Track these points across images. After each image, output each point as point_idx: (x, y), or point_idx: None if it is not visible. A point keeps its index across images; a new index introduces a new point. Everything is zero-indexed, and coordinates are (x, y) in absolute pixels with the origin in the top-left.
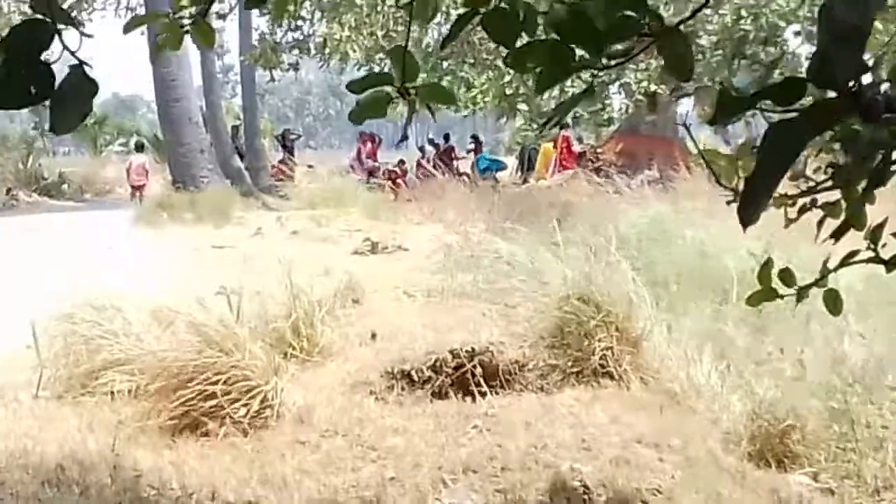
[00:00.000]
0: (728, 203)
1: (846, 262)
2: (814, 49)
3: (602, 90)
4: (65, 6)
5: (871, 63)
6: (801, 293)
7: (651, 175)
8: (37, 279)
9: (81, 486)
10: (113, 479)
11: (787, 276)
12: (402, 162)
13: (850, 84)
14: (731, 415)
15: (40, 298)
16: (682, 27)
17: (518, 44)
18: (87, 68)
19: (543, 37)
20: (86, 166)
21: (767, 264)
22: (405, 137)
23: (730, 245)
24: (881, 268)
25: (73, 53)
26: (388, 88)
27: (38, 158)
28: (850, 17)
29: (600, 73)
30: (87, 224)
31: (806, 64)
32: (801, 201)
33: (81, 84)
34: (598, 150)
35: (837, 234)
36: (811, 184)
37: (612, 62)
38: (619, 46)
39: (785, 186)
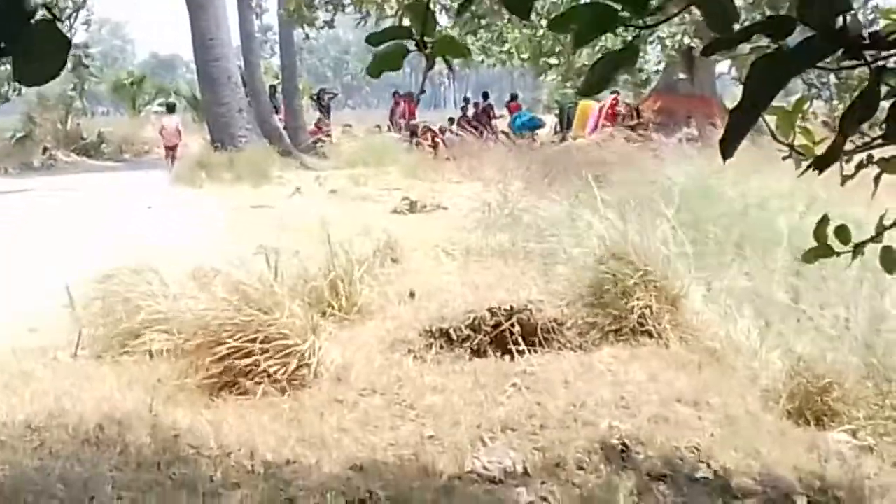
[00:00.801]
0: (784, 159)
1: None
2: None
3: (640, 47)
4: None
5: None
6: (857, 250)
7: (689, 133)
8: (76, 239)
9: (120, 445)
10: (152, 438)
11: (842, 234)
12: (451, 120)
13: (833, 21)
14: (770, 372)
15: (80, 258)
16: None
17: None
18: (59, 25)
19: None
20: (124, 126)
21: (824, 221)
22: (423, 91)
23: (770, 202)
24: None
25: (46, 7)
26: (406, 41)
27: (77, 118)
28: None
29: (641, 32)
30: (125, 184)
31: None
32: (857, 157)
33: (51, 37)
34: (637, 109)
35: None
36: (866, 139)
37: (652, 20)
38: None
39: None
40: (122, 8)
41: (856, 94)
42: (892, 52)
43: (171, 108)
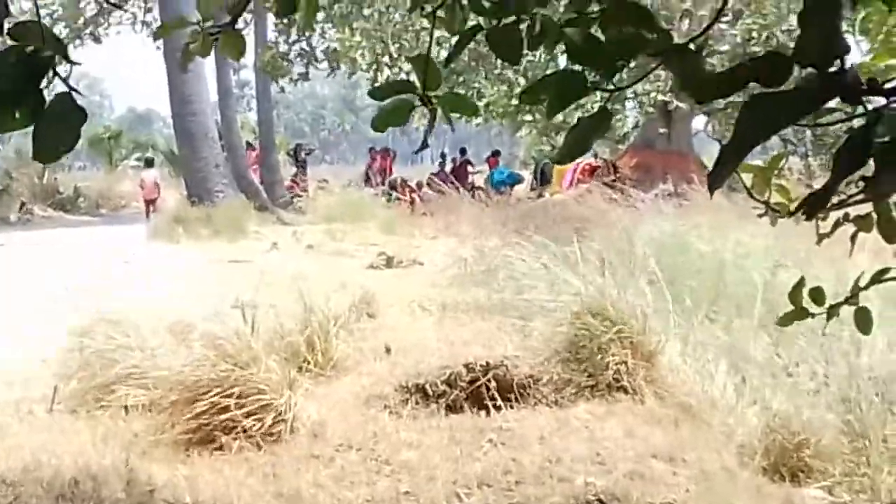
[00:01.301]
0: (759, 216)
1: (877, 279)
2: None
3: (617, 104)
4: (82, 21)
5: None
6: (832, 311)
7: (666, 189)
8: (52, 293)
9: (95, 500)
10: (127, 493)
11: (817, 295)
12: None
13: (831, 65)
14: (746, 428)
15: (56, 312)
16: (692, 45)
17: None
18: (76, 96)
19: (547, 54)
20: (101, 181)
21: (799, 284)
22: (426, 145)
23: (745, 258)
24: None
25: (64, 80)
26: (410, 96)
27: (54, 173)
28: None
29: (613, 95)
30: (102, 238)
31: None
32: (833, 215)
33: (68, 112)
34: (614, 164)
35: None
36: (842, 197)
37: (623, 85)
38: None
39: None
40: (100, 63)
41: (833, 149)
42: (892, 98)
43: (149, 163)
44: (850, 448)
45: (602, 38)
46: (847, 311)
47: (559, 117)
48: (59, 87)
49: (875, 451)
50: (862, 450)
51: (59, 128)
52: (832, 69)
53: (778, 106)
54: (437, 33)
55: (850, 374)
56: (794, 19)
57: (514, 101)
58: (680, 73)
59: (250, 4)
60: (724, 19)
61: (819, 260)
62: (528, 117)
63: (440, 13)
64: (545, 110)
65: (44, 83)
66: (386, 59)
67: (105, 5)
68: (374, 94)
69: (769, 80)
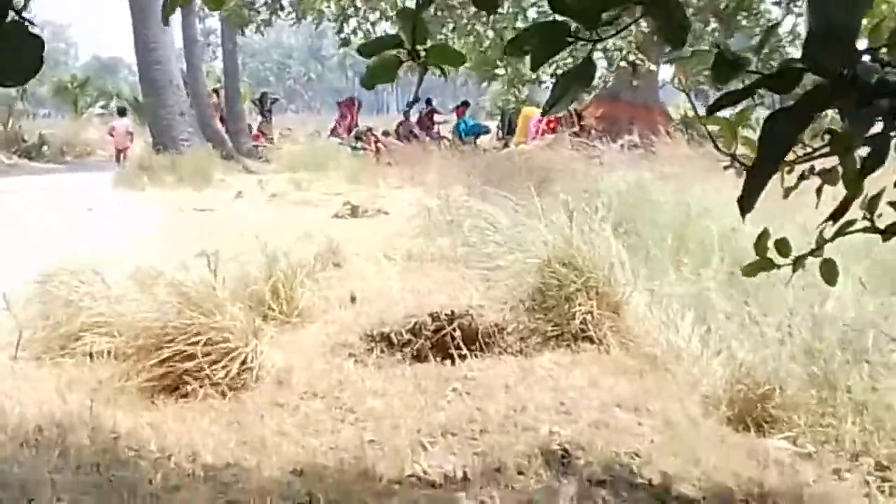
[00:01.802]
0: (725, 168)
1: (842, 231)
2: (792, 19)
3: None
4: None
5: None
6: (798, 263)
7: (631, 140)
8: (16, 241)
9: (60, 447)
10: (91, 440)
11: (783, 247)
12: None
13: (844, 71)
14: (710, 379)
15: (19, 260)
16: None
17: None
18: (29, 25)
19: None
20: (66, 129)
21: (764, 235)
22: (417, 99)
23: (710, 209)
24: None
25: (16, 11)
26: (398, 51)
27: (19, 121)
28: (838, 15)
29: (595, 45)
30: (67, 186)
31: (786, 36)
32: (798, 168)
33: (23, 39)
34: (578, 113)
35: (837, 215)
36: (808, 150)
37: (606, 33)
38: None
39: None
40: (65, 10)
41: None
42: None
43: (121, 112)
44: (815, 398)
45: None
46: (812, 263)
47: (526, 70)
48: None
49: (839, 401)
50: (826, 400)
51: (17, 54)
52: (845, 75)
53: (794, 120)
54: None
55: (814, 325)
56: None
57: (484, 54)
58: (664, 25)
59: None
60: None
61: (785, 212)
62: (500, 71)
63: None
64: (529, 61)
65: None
66: (351, 10)
67: None
68: (363, 50)
69: (781, 88)
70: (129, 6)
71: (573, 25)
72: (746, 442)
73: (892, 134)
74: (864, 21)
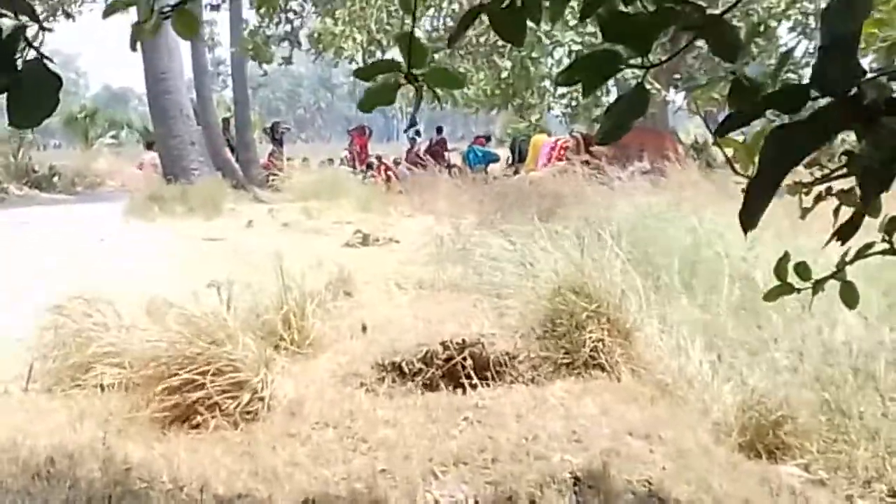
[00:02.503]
0: (743, 191)
1: (862, 254)
2: (806, 44)
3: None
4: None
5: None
6: (818, 286)
7: (642, 166)
8: (28, 272)
9: (71, 479)
10: (103, 472)
11: (802, 270)
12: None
13: (848, 90)
14: (722, 406)
15: (31, 291)
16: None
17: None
18: (47, 63)
19: (548, 28)
20: (76, 159)
21: (784, 258)
22: (414, 123)
23: (721, 235)
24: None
25: (34, 47)
26: (396, 75)
27: (29, 152)
28: (840, 25)
29: (647, 72)
30: (78, 217)
31: (802, 58)
32: (815, 189)
33: (42, 78)
34: (585, 137)
35: (845, 235)
36: (826, 171)
37: (659, 59)
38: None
39: (799, 174)
40: (75, 41)
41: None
42: None
43: (149, 146)
44: (827, 425)
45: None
46: (827, 286)
47: (536, 98)
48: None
49: (852, 427)
50: (839, 427)
51: (35, 94)
52: (851, 94)
53: (799, 137)
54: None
55: (825, 351)
56: None
57: (502, 86)
58: (717, 44)
59: None
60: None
61: (800, 236)
62: (516, 101)
63: None
64: (581, 89)
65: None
66: (372, 46)
67: None
68: (360, 73)
69: (787, 108)
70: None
71: (621, 51)
72: (758, 469)
73: None
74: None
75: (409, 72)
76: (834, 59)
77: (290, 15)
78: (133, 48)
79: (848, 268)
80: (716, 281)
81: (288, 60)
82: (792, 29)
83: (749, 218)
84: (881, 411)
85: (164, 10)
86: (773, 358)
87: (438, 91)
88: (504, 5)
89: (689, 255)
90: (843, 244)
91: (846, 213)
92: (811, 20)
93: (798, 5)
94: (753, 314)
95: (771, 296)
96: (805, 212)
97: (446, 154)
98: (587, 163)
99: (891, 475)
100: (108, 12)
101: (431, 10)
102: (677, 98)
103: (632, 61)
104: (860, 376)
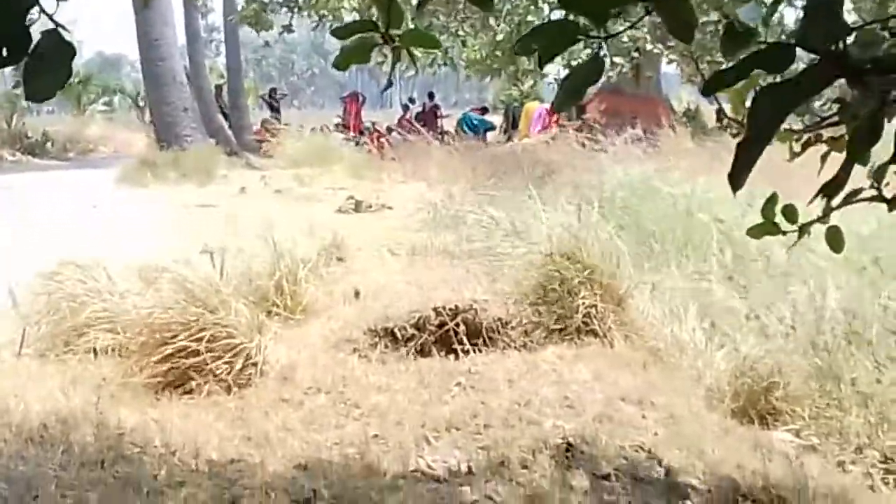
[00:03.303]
0: (733, 136)
1: (849, 200)
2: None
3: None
4: None
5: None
6: (804, 229)
7: (635, 133)
8: (21, 237)
9: (65, 443)
10: (96, 436)
11: (790, 213)
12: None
13: (834, 47)
14: (714, 372)
15: (24, 256)
16: None
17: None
18: (63, 32)
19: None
20: (70, 125)
21: (772, 199)
22: (390, 84)
23: (714, 202)
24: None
25: (49, 17)
26: (373, 34)
27: (22, 117)
28: None
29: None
30: (71, 182)
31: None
32: (805, 136)
33: (57, 48)
34: (580, 107)
35: (831, 192)
36: (816, 119)
37: (616, 30)
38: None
39: (789, 121)
40: (69, 7)
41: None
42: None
43: None
44: (819, 391)
45: None
46: (813, 257)
47: (530, 65)
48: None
49: (844, 394)
50: (830, 393)
51: (50, 65)
52: (834, 52)
53: (786, 95)
54: None
55: (817, 318)
56: None
57: (497, 51)
58: (671, 20)
59: None
60: None
61: (790, 199)
62: (511, 67)
63: None
64: (536, 60)
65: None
66: (373, 9)
67: None
68: (337, 33)
69: (774, 67)
70: (131, 2)
71: (582, 22)
72: (750, 435)
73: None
74: None
75: (386, 32)
76: (818, 17)
77: None
78: (145, 4)
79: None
80: (708, 248)
81: (288, 29)
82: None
83: (737, 176)
84: (874, 377)
85: None
86: (766, 324)
87: (416, 52)
88: None
89: (682, 221)
90: (829, 201)
91: (835, 160)
92: None
93: None
94: (746, 281)
95: (755, 231)
96: (794, 155)
97: (439, 121)
98: (580, 129)
99: (882, 441)
100: None
101: None
102: (670, 66)
103: (591, 32)
104: (853, 342)
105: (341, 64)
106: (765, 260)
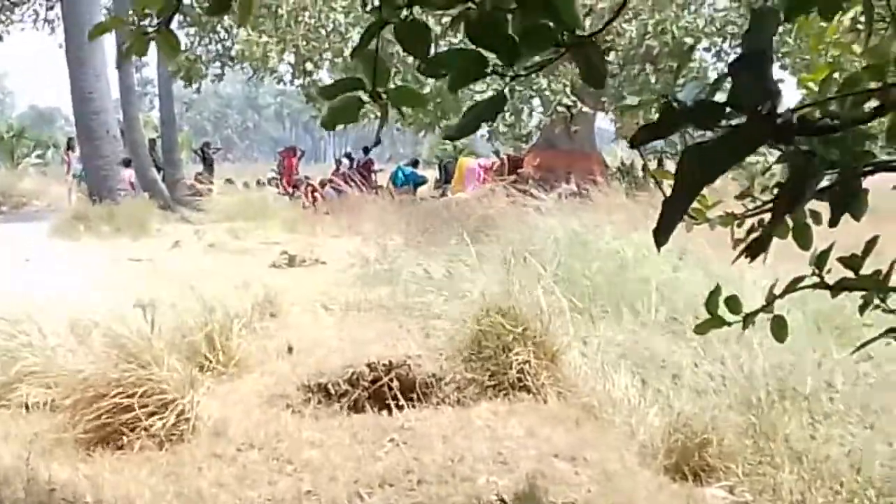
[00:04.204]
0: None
1: (791, 288)
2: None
3: (523, 102)
4: None
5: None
6: (748, 320)
7: (569, 188)
8: None
9: None
10: (27, 492)
11: (733, 304)
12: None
13: (762, 107)
14: (648, 428)
15: None
16: (594, 38)
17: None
18: None
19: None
20: (3, 178)
21: (715, 292)
22: (378, 142)
23: (646, 258)
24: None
25: None
26: (359, 93)
27: None
28: (754, 42)
29: (513, 82)
30: (3, 236)
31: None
32: (748, 221)
33: None
34: (512, 160)
35: (754, 253)
36: (758, 203)
37: (525, 71)
38: (536, 58)
39: (732, 206)
40: (2, 60)
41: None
42: (821, 135)
43: (126, 163)
44: (753, 447)
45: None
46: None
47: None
48: None
49: (777, 450)
50: (764, 449)
51: None
52: (766, 112)
53: (715, 153)
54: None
55: (750, 374)
56: (689, 16)
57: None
58: (583, 66)
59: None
60: (624, 17)
61: (720, 261)
62: (445, 122)
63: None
64: (447, 84)
65: None
66: (307, 64)
67: (6, 3)
68: (324, 92)
69: (702, 124)
70: (65, 56)
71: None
72: (684, 491)
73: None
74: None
75: (374, 90)
76: (747, 76)
77: (222, 34)
78: (119, 67)
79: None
80: (641, 303)
81: (220, 77)
82: (707, 50)
83: (663, 234)
84: (808, 433)
85: (147, 32)
86: (699, 381)
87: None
88: (403, 17)
89: (615, 277)
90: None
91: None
92: (725, 44)
93: (717, 24)
94: (678, 337)
95: (702, 328)
96: (737, 242)
97: (372, 175)
98: (515, 184)
99: (815, 498)
100: (93, 34)
101: (358, 28)
102: (603, 121)
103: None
104: (786, 398)
105: (328, 124)
106: (697, 316)
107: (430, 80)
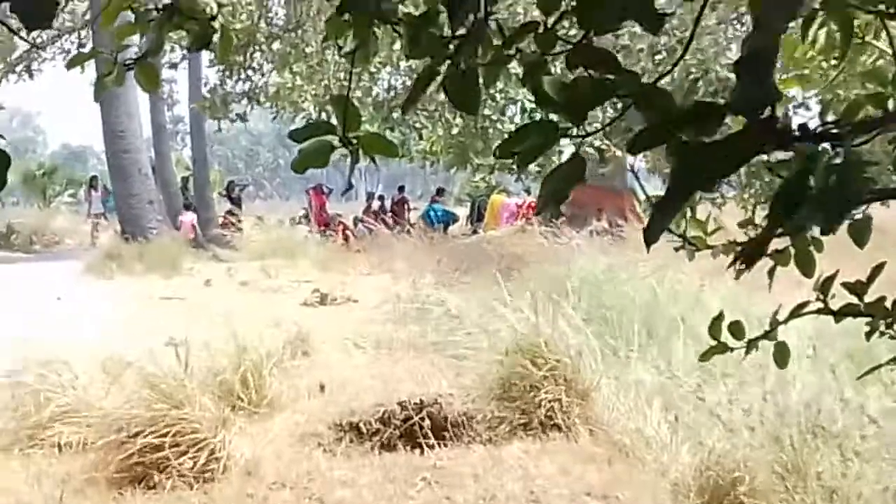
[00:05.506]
0: (675, 249)
1: (796, 313)
2: None
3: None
4: (15, 56)
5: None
6: (751, 345)
7: (600, 226)
8: None
9: None
10: None
11: (736, 330)
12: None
13: (763, 111)
14: (680, 466)
15: None
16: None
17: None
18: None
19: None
20: (35, 217)
21: (718, 319)
22: (350, 186)
23: (679, 294)
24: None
25: None
26: (331, 137)
27: None
28: (756, 43)
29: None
30: (36, 275)
31: None
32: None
33: None
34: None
35: (749, 258)
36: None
37: (594, 128)
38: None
39: (736, 234)
40: (35, 98)
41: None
42: (823, 143)
43: (188, 207)
44: (784, 486)
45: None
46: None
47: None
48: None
49: (810, 487)
50: (797, 486)
51: None
52: (764, 116)
53: (712, 156)
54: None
55: (781, 412)
56: (732, 52)
57: (454, 143)
58: (652, 113)
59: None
60: (661, 56)
61: (754, 298)
62: (478, 161)
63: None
64: (517, 160)
65: None
66: (329, 105)
67: (37, 41)
68: (294, 135)
69: (702, 129)
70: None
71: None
72: None
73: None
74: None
75: (344, 135)
76: (749, 79)
77: (250, 72)
78: (97, 100)
79: (808, 335)
80: (673, 341)
81: (242, 117)
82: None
83: (652, 233)
84: (840, 471)
85: (127, 63)
86: (731, 418)
87: (375, 156)
88: (458, 70)
89: (647, 315)
90: (747, 268)
91: (783, 273)
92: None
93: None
94: (710, 374)
95: (705, 356)
96: (740, 273)
97: (407, 213)
98: (546, 222)
99: None
100: (71, 64)
101: (388, 68)
102: (635, 159)
103: (570, 131)
104: (818, 436)
105: (298, 167)
106: (728, 354)
107: (458, 119)
